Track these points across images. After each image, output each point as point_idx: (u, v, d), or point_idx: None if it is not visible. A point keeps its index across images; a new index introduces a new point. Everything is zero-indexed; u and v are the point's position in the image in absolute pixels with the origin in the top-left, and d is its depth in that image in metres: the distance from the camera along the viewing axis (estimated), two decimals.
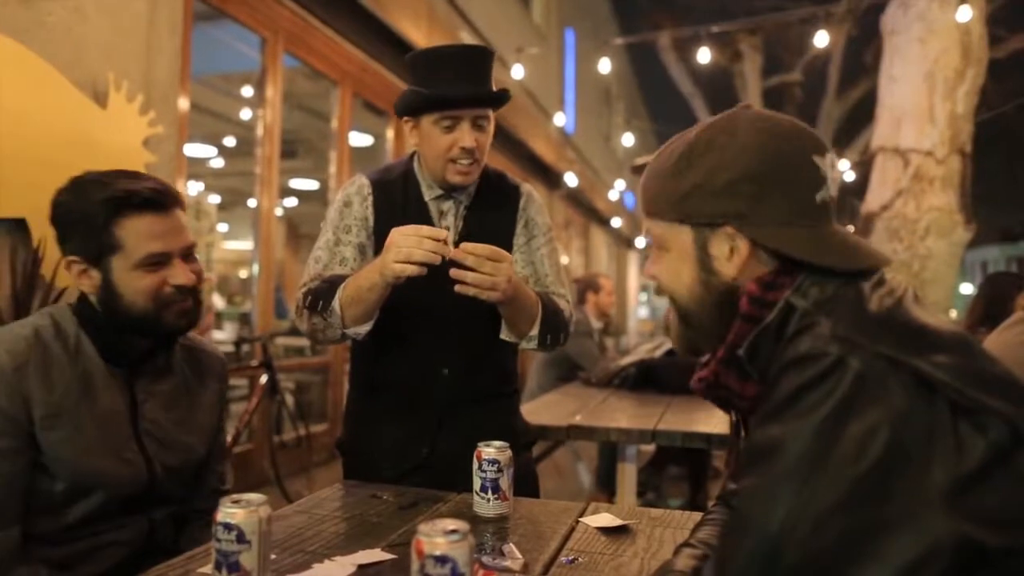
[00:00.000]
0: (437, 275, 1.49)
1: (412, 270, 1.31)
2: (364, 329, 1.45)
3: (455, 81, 1.46)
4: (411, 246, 1.30)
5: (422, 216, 1.55)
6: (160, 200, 1.26)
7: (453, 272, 1.32)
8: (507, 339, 1.55)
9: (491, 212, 1.60)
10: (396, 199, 1.58)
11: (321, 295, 1.44)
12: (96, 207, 1.22)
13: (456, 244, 1.54)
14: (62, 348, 1.24)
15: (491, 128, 1.55)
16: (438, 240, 1.31)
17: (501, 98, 1.52)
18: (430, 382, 1.56)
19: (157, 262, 1.26)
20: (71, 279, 1.28)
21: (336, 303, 1.42)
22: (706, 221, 0.84)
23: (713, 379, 0.87)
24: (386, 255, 1.33)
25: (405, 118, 1.55)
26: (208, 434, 1.44)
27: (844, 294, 0.78)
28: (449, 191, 1.58)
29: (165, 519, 1.33)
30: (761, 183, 0.81)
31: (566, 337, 1.58)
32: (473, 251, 1.33)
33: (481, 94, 1.49)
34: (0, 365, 1.18)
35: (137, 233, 1.24)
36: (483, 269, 1.32)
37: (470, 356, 1.58)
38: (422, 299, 1.51)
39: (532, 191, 1.68)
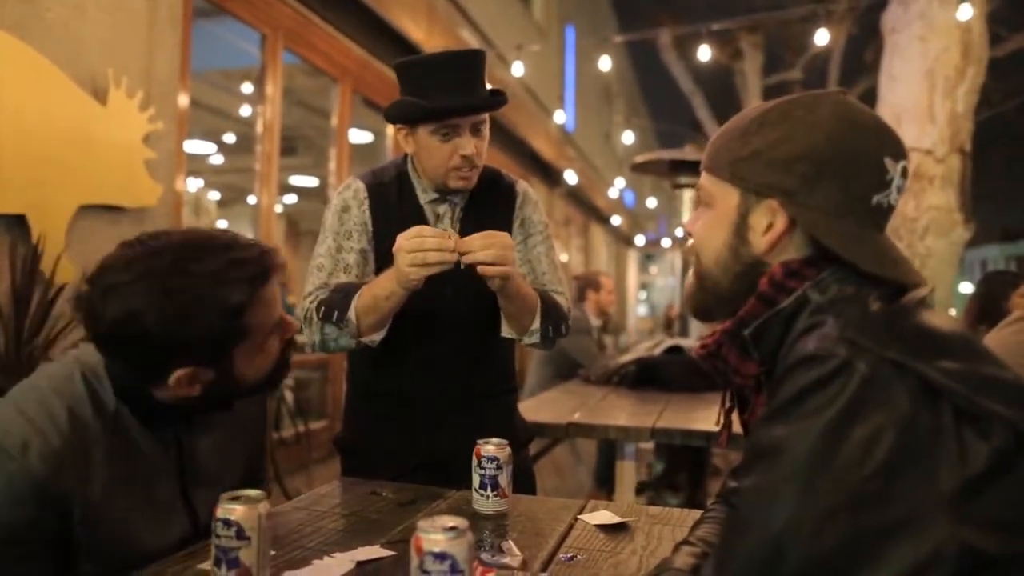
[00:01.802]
0: (436, 278, 1.50)
1: (436, 271, 1.32)
2: (379, 337, 1.46)
3: (451, 90, 1.45)
4: (424, 249, 1.31)
5: (419, 220, 1.53)
6: (282, 261, 1.09)
7: (465, 259, 1.33)
8: (508, 335, 1.55)
9: (487, 213, 1.59)
10: (392, 204, 1.58)
11: (335, 305, 1.44)
12: (230, 304, 0.99)
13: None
14: (101, 426, 1.03)
15: (488, 129, 1.54)
16: (445, 243, 1.32)
17: (499, 102, 1.51)
18: (430, 384, 1.56)
19: (276, 327, 1.10)
20: (172, 391, 1.04)
21: (352, 313, 1.42)
22: (755, 189, 0.83)
23: (715, 349, 0.87)
24: (399, 263, 1.33)
25: (399, 126, 1.54)
26: (254, 443, 1.31)
27: (860, 297, 0.77)
28: (445, 194, 1.58)
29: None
30: (819, 167, 0.80)
31: (566, 331, 1.58)
32: (479, 237, 1.34)
33: (480, 102, 1.47)
34: (32, 473, 0.94)
35: (263, 311, 1.06)
36: (493, 249, 1.33)
37: (470, 357, 1.58)
38: (421, 302, 1.50)
39: (528, 189, 1.68)
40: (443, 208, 1.59)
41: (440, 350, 1.56)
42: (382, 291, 1.39)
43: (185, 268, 0.97)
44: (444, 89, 1.44)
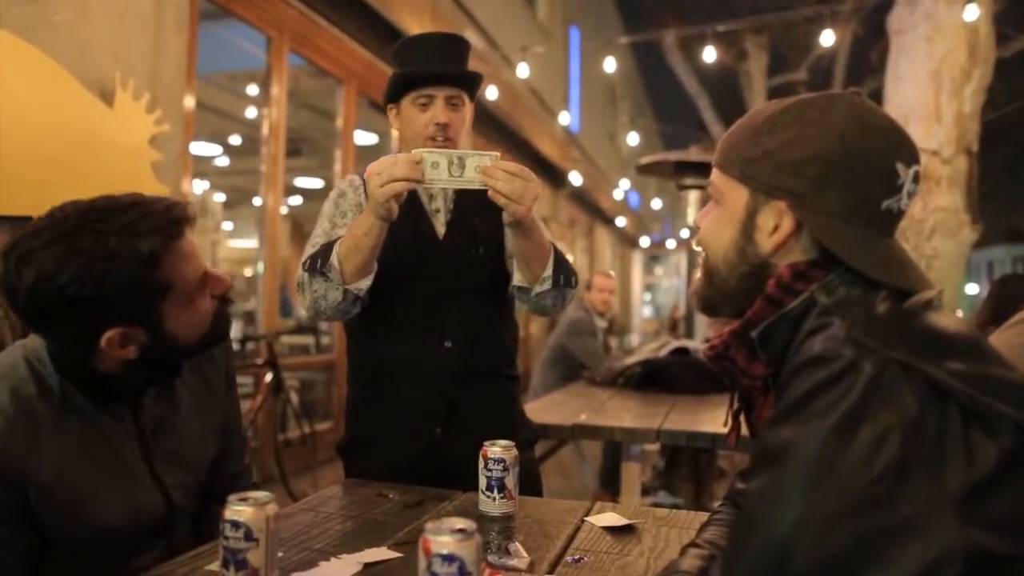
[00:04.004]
0: (430, 249, 1.55)
1: (399, 187, 1.33)
2: (364, 284, 1.47)
3: (429, 62, 1.56)
4: (388, 167, 1.34)
5: (412, 201, 1.56)
6: (193, 214, 1.08)
7: (487, 181, 1.34)
8: (520, 283, 1.55)
9: (479, 194, 1.61)
10: None
11: (319, 255, 1.47)
12: (141, 255, 0.99)
13: (448, 226, 1.60)
14: (48, 408, 1.04)
15: (466, 112, 1.60)
16: (414, 160, 1.34)
17: (471, 78, 1.59)
18: (433, 356, 1.56)
19: (204, 282, 1.10)
20: (108, 356, 1.04)
21: (334, 257, 1.44)
22: (764, 189, 0.83)
23: (723, 350, 0.87)
24: (369, 188, 1.36)
25: (390, 106, 1.63)
26: (220, 421, 1.30)
27: (867, 298, 0.77)
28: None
29: (186, 532, 1.23)
30: (829, 170, 0.79)
31: (575, 282, 1.59)
32: (504, 168, 1.35)
33: (450, 71, 1.57)
34: None
35: (182, 263, 1.05)
36: (513, 184, 1.35)
37: (471, 328, 1.59)
38: (419, 273, 1.55)
39: None
40: (435, 189, 1.61)
41: (440, 321, 1.57)
42: (359, 228, 1.42)
43: (93, 227, 0.98)
44: (423, 62, 1.56)
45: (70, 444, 1.05)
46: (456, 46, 1.60)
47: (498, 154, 1.37)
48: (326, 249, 1.47)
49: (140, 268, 0.99)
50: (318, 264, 1.45)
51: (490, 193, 1.35)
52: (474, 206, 1.54)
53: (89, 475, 1.06)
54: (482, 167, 1.35)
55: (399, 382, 1.58)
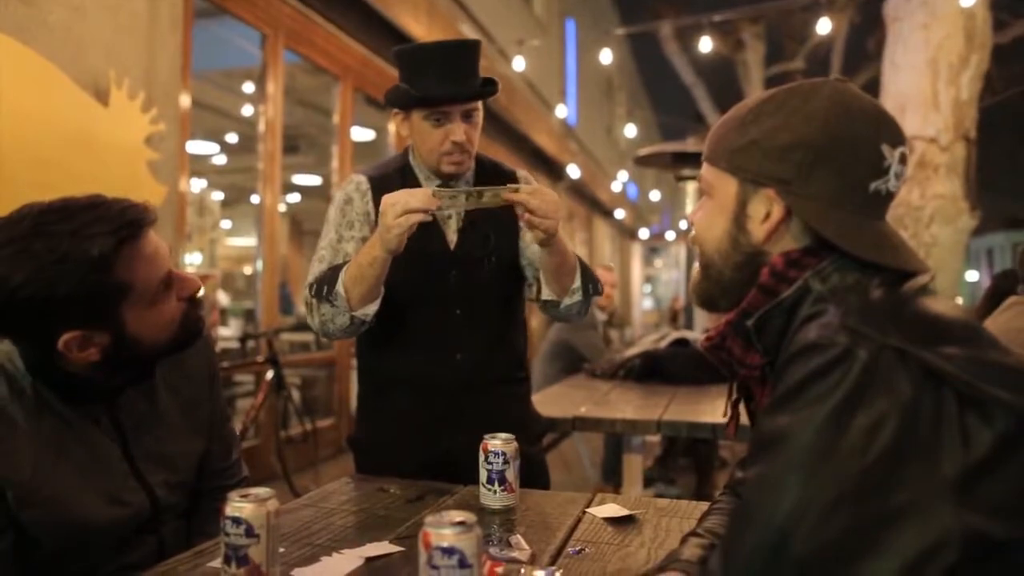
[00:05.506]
0: (442, 260, 1.53)
1: (416, 218, 1.33)
2: (371, 310, 1.47)
3: (442, 79, 1.49)
4: (404, 199, 1.33)
5: None
6: (152, 216, 1.06)
7: (517, 199, 1.34)
8: (549, 298, 1.56)
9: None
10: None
11: (325, 281, 1.47)
12: (92, 257, 0.98)
13: (460, 234, 1.58)
14: (22, 409, 1.04)
15: (480, 116, 1.57)
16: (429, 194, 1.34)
17: (487, 92, 1.54)
18: (445, 368, 1.56)
19: (169, 284, 1.10)
20: (71, 358, 1.03)
21: (340, 286, 1.44)
22: (752, 178, 0.83)
23: (719, 341, 0.87)
24: (383, 220, 1.35)
25: (395, 111, 1.58)
26: (205, 418, 1.30)
27: (861, 285, 0.77)
28: (447, 182, 1.59)
29: (175, 528, 1.22)
30: (815, 155, 0.80)
31: (601, 288, 1.60)
32: (526, 188, 1.36)
33: (467, 92, 1.51)
34: None
35: (141, 265, 1.04)
36: (539, 199, 1.35)
37: (483, 339, 1.58)
38: (430, 285, 1.54)
39: (528, 175, 1.70)
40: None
41: (453, 333, 1.56)
42: (365, 258, 1.41)
43: (46, 230, 0.97)
44: (436, 77, 1.49)
45: (46, 445, 1.05)
46: (470, 55, 1.53)
47: (519, 184, 1.37)
48: (332, 275, 1.46)
49: (91, 270, 0.98)
50: (324, 291, 1.45)
51: (525, 218, 1.35)
52: (486, 214, 1.51)
53: (68, 476, 1.06)
54: (503, 194, 1.35)
55: (408, 393, 1.58)
